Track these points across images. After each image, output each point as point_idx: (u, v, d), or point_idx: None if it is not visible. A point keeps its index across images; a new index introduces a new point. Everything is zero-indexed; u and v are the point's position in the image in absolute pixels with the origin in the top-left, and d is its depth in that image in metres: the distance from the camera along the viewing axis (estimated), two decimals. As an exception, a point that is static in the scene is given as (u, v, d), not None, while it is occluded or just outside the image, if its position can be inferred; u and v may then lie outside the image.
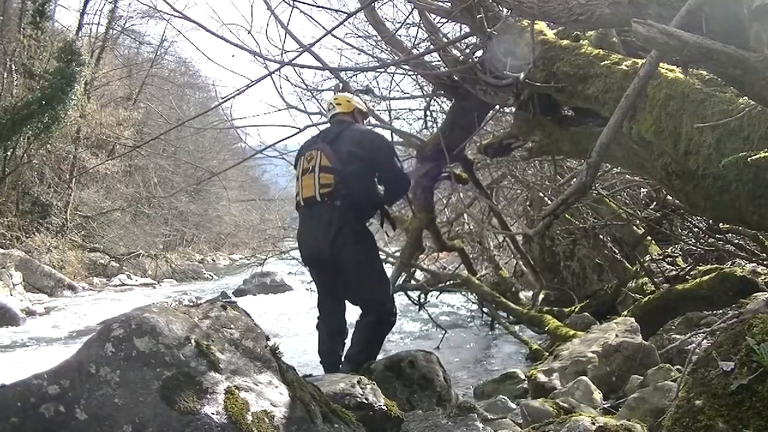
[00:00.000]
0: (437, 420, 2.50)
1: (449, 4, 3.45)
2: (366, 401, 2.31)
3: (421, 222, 5.04)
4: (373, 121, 4.96)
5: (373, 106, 6.79)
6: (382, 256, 7.48)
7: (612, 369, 3.26)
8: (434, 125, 5.81)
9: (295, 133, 5.35)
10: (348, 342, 3.54)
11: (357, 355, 3.40)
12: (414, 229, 5.09)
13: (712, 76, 2.04)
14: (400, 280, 6.62)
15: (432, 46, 4.35)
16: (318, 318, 3.63)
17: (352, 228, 3.38)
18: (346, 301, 3.61)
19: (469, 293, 7.35)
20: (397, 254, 6.65)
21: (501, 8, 3.06)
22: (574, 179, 2.66)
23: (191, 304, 2.08)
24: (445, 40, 4.15)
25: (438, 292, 7.77)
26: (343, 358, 3.48)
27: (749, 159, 1.71)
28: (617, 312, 5.02)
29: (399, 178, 3.57)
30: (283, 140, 5.92)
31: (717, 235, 4.54)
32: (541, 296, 6.46)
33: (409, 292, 7.50)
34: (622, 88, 2.18)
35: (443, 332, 6.33)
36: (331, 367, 3.44)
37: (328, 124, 3.78)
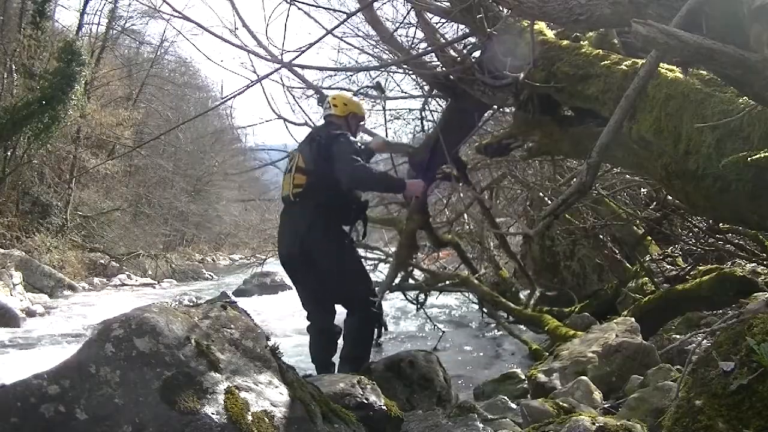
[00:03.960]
0: (437, 420, 2.50)
1: (448, 4, 3.45)
2: (366, 401, 2.32)
3: (416, 223, 5.01)
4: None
5: (372, 105, 6.75)
6: (382, 257, 7.52)
7: (612, 369, 3.26)
8: (432, 126, 5.79)
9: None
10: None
11: (349, 354, 3.46)
12: (409, 231, 5.08)
13: (712, 76, 2.04)
14: (397, 280, 6.62)
15: (430, 47, 4.34)
16: (306, 319, 3.68)
17: (321, 228, 3.42)
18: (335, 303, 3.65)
19: (469, 293, 7.34)
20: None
21: (501, 8, 3.06)
22: (574, 179, 2.66)
23: (191, 304, 2.09)
24: (443, 40, 4.15)
25: (438, 292, 7.77)
26: (338, 360, 3.51)
27: (749, 159, 1.71)
28: (617, 312, 5.02)
29: (355, 174, 3.32)
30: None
31: (717, 235, 4.55)
32: (537, 294, 6.44)
33: (409, 293, 7.50)
34: (622, 88, 2.18)
35: (441, 332, 6.32)
36: (322, 368, 3.48)
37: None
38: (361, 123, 3.89)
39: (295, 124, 5.68)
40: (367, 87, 4.41)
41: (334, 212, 3.50)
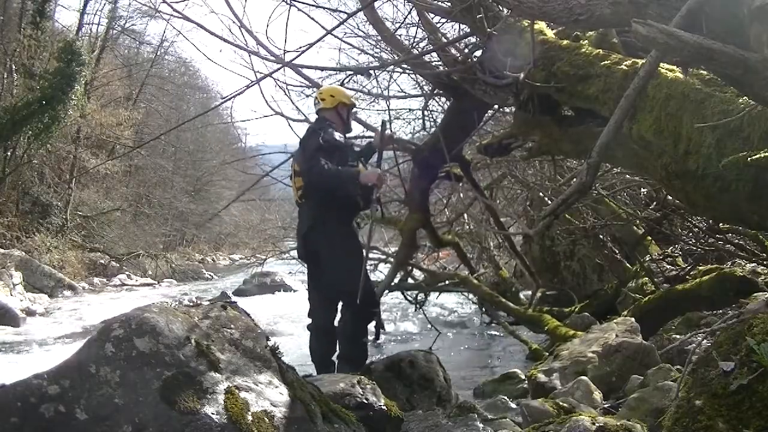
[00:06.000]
0: (437, 420, 2.50)
1: (449, 4, 3.45)
2: (366, 401, 2.32)
3: (416, 222, 5.00)
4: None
5: (372, 104, 6.74)
6: (382, 257, 7.52)
7: (612, 369, 3.25)
8: (433, 125, 5.79)
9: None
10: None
11: (345, 355, 3.49)
12: (408, 230, 5.06)
13: (712, 76, 2.04)
14: (397, 280, 6.61)
15: (431, 46, 4.34)
16: (308, 315, 3.72)
17: (322, 225, 3.53)
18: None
19: (469, 293, 7.34)
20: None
21: (501, 8, 3.06)
22: (574, 179, 2.67)
23: (191, 304, 2.09)
24: (445, 39, 4.15)
25: (438, 292, 7.77)
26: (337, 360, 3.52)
27: (749, 159, 1.71)
28: (617, 312, 5.02)
29: (311, 173, 3.39)
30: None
31: (717, 235, 4.55)
32: (538, 295, 6.45)
33: (408, 292, 7.49)
34: (622, 88, 2.18)
35: (438, 332, 6.30)
36: (321, 367, 3.49)
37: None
38: (353, 111, 3.97)
39: (294, 120, 5.67)
40: (356, 73, 4.42)
41: (334, 209, 3.53)
